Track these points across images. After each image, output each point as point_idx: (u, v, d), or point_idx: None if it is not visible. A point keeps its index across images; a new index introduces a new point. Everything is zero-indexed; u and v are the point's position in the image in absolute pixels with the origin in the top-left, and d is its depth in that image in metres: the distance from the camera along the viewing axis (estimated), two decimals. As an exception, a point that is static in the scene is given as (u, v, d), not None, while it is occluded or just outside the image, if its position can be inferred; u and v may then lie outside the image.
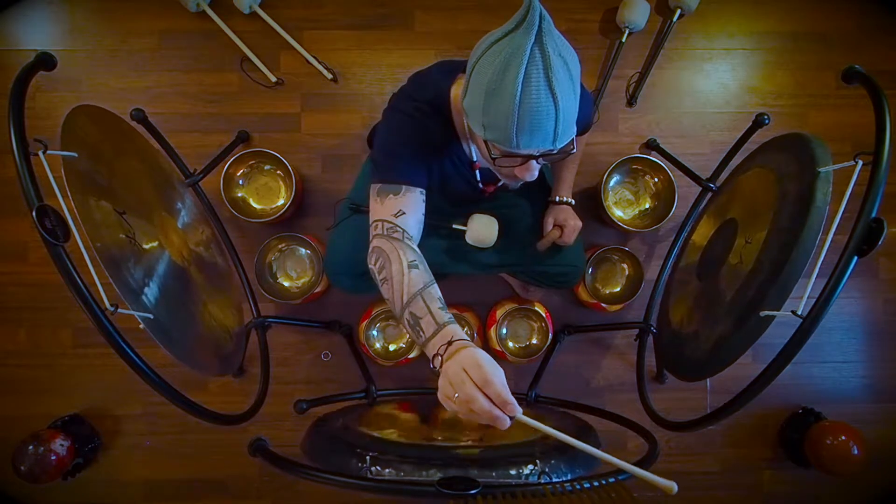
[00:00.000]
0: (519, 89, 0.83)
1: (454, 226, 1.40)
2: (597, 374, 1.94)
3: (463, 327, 1.85)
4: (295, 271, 1.89)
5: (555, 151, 0.93)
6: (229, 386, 1.90)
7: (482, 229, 1.37)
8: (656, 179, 1.87)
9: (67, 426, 1.80)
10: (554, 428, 0.80)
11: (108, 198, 1.07)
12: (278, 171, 1.86)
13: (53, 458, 1.67)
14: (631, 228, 1.81)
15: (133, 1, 1.90)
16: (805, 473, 1.88)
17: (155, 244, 1.18)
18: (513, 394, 0.78)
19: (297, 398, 1.54)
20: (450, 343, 0.86)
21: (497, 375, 0.78)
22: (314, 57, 1.88)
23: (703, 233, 1.49)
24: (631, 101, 1.92)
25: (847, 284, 0.89)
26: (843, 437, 1.71)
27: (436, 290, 0.95)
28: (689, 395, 1.92)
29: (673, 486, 0.74)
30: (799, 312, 0.95)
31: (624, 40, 1.86)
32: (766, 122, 1.51)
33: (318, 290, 1.80)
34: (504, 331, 1.84)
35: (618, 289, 1.89)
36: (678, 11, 1.85)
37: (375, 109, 1.89)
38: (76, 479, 1.82)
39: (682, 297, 1.46)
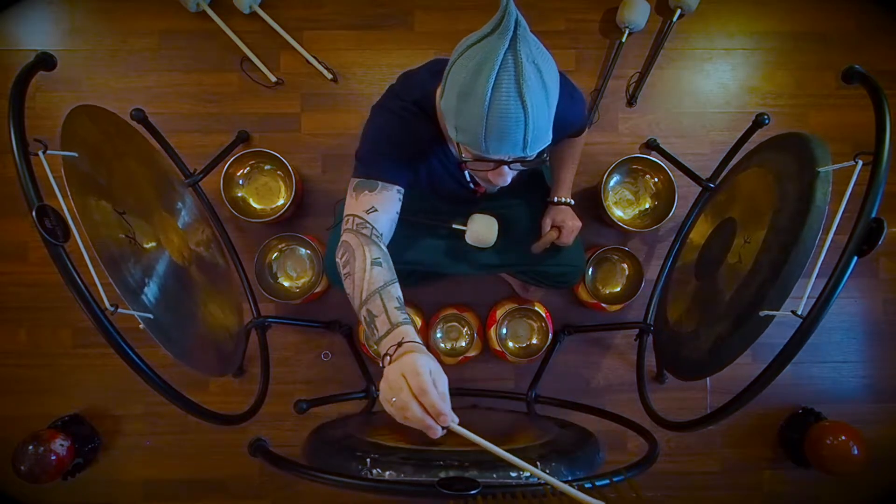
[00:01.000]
0: (489, 94, 0.83)
1: (454, 226, 1.40)
2: (597, 374, 1.94)
3: (463, 327, 1.85)
4: (295, 271, 1.89)
5: (527, 159, 0.93)
6: (229, 386, 1.90)
7: (482, 229, 1.37)
8: (656, 179, 1.87)
9: (67, 426, 1.80)
10: (492, 441, 0.78)
11: (107, 198, 1.07)
12: (278, 171, 1.86)
13: (53, 458, 1.67)
14: (631, 228, 1.81)
15: (133, 1, 1.90)
16: (805, 473, 1.87)
17: (155, 244, 1.18)
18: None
19: (297, 398, 1.54)
20: (399, 344, 0.85)
21: (440, 384, 0.78)
22: (314, 57, 1.88)
23: (701, 232, 1.49)
24: (631, 101, 1.92)
25: (847, 284, 0.89)
26: (843, 437, 1.71)
27: (395, 290, 0.95)
28: (689, 395, 1.92)
29: None
30: (799, 312, 0.95)
31: (624, 40, 1.86)
32: (766, 122, 1.51)
33: (318, 290, 1.80)
34: (504, 331, 1.84)
35: (618, 289, 1.89)
36: (678, 11, 1.85)
37: (375, 109, 1.89)
38: (76, 479, 1.82)
39: (679, 296, 1.46)
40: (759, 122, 1.52)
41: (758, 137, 1.50)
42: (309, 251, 1.86)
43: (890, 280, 1.94)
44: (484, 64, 0.83)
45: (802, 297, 0.97)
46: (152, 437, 1.90)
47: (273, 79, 1.88)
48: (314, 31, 1.91)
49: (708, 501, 1.95)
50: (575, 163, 1.40)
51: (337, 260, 1.04)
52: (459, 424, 0.78)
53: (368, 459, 0.99)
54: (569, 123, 1.20)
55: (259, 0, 1.86)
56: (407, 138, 1.09)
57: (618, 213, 1.88)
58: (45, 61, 0.99)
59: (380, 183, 1.07)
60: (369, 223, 1.04)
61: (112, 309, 0.93)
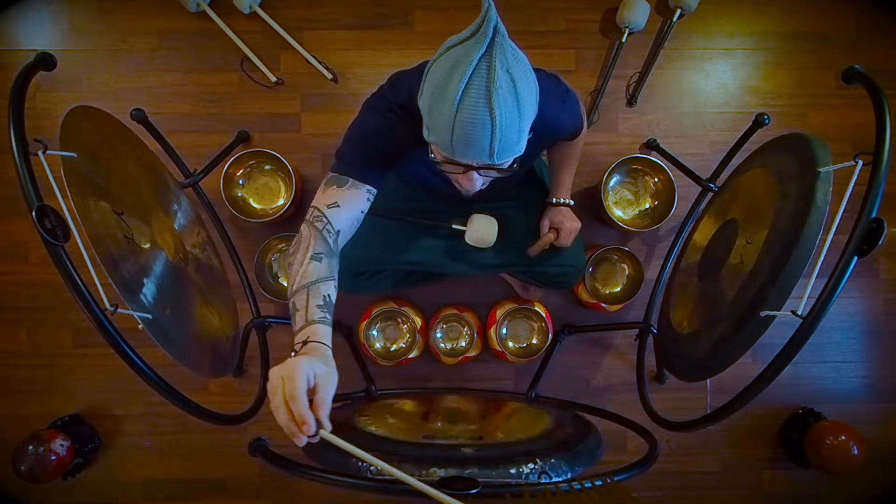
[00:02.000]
0: (458, 98, 0.83)
1: (454, 226, 1.40)
2: (597, 374, 1.94)
3: (463, 327, 1.85)
4: (295, 271, 1.88)
5: (496, 166, 0.93)
6: (229, 386, 1.90)
7: (482, 229, 1.37)
8: (656, 179, 1.87)
9: (67, 426, 1.80)
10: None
11: (106, 198, 1.07)
12: (278, 172, 1.86)
13: (53, 458, 1.67)
14: (631, 228, 1.81)
15: (133, 1, 1.90)
16: (805, 473, 1.88)
17: (152, 245, 1.18)
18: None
19: (297, 398, 1.54)
20: (304, 343, 0.87)
21: (323, 389, 0.78)
22: (314, 57, 1.88)
23: (704, 233, 1.49)
24: (631, 101, 1.92)
25: (847, 284, 0.89)
26: (843, 437, 1.71)
27: (326, 288, 0.95)
28: (689, 395, 1.92)
29: None
30: (799, 312, 0.95)
31: (624, 40, 1.86)
32: (766, 122, 1.51)
33: (318, 290, 1.79)
34: (504, 331, 1.83)
35: (618, 289, 1.89)
36: (678, 11, 1.85)
37: (375, 109, 1.89)
38: (76, 479, 1.82)
39: (683, 298, 1.46)
40: (759, 122, 1.52)
41: (758, 137, 1.50)
42: (309, 251, 1.85)
43: (890, 280, 1.94)
44: (457, 67, 0.83)
45: (803, 297, 0.97)
46: (152, 437, 1.90)
47: (273, 79, 1.88)
48: (314, 31, 1.91)
49: (708, 501, 1.95)
50: (574, 164, 1.40)
51: (290, 249, 1.04)
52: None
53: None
54: (560, 128, 1.20)
55: (259, 0, 1.86)
56: (388, 140, 1.09)
57: (618, 213, 1.88)
58: (45, 61, 0.99)
59: (350, 180, 1.08)
60: (326, 217, 1.04)
61: (112, 309, 0.94)
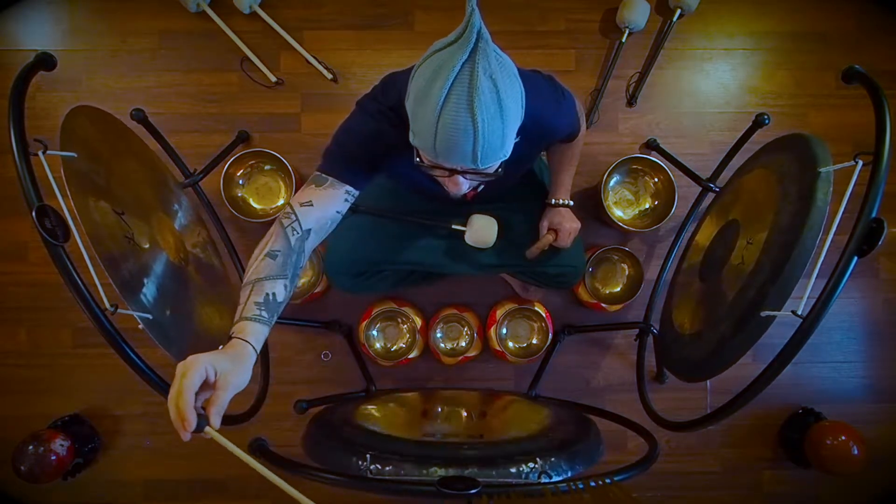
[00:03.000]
0: (440, 103, 0.83)
1: (454, 226, 1.40)
2: (597, 374, 1.94)
3: (463, 327, 1.85)
4: (295, 271, 1.88)
5: (481, 171, 0.93)
6: (229, 386, 1.90)
7: (482, 230, 1.37)
8: (656, 179, 1.87)
9: (67, 426, 1.80)
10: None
11: (106, 198, 1.07)
12: (278, 172, 1.86)
13: (53, 458, 1.67)
14: (631, 228, 1.81)
15: (133, 1, 1.90)
16: (805, 473, 1.88)
17: (153, 245, 1.18)
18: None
19: (297, 398, 1.54)
20: (230, 337, 0.88)
21: (225, 385, 0.81)
22: (314, 57, 1.88)
23: (706, 234, 1.49)
24: (631, 101, 1.92)
25: (847, 284, 0.89)
26: (843, 437, 1.71)
27: (272, 286, 0.95)
28: (689, 395, 1.92)
29: None
30: (799, 312, 0.95)
31: (624, 40, 1.86)
32: (766, 122, 1.51)
33: (318, 290, 1.80)
34: (504, 331, 1.84)
35: (618, 289, 1.89)
36: (678, 11, 1.85)
37: (375, 109, 1.89)
38: (76, 479, 1.82)
39: (685, 299, 1.46)
40: (759, 122, 1.52)
41: (758, 137, 1.50)
42: (309, 251, 1.86)
43: (890, 280, 1.94)
44: (440, 72, 0.82)
45: (803, 297, 0.97)
46: (152, 437, 1.90)
47: (273, 79, 1.88)
48: (314, 31, 1.91)
49: (708, 501, 1.95)
50: (573, 164, 1.40)
51: None
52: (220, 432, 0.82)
53: (368, 455, 0.99)
54: (556, 130, 1.20)
55: (259, 0, 1.86)
56: (375, 142, 1.09)
57: (618, 213, 1.88)
58: (45, 61, 0.99)
59: (330, 179, 1.08)
60: (295, 215, 1.03)
61: (112, 309, 0.94)
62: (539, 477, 0.97)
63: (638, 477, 0.97)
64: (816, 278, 0.96)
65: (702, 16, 1.91)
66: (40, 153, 0.94)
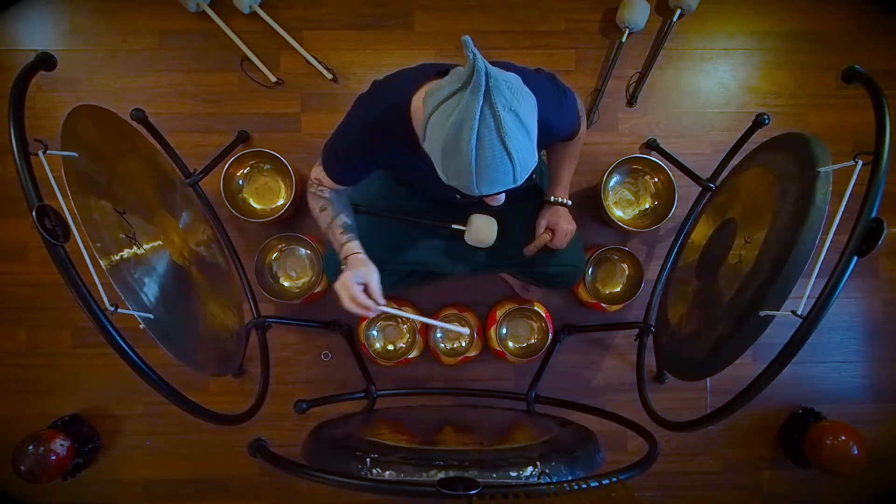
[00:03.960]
0: (473, 153, 0.85)
1: (454, 226, 1.40)
2: (597, 374, 1.94)
3: (463, 327, 1.85)
4: (295, 271, 1.89)
5: (518, 186, 0.96)
6: (229, 386, 1.90)
7: (482, 229, 1.37)
8: (656, 179, 1.87)
9: (67, 426, 1.80)
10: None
11: (108, 197, 1.07)
12: (278, 172, 1.86)
13: (53, 458, 1.67)
14: (631, 228, 1.81)
15: (133, 1, 1.90)
16: (805, 473, 1.87)
17: (155, 244, 1.18)
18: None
19: (297, 398, 1.54)
20: (345, 258, 1.21)
21: (372, 280, 1.16)
22: (314, 57, 1.88)
23: (702, 232, 1.49)
24: (631, 101, 1.92)
25: (847, 284, 0.89)
26: (843, 437, 1.71)
27: (339, 220, 1.25)
28: (689, 395, 1.92)
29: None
30: (799, 312, 0.95)
31: (624, 40, 1.86)
32: (766, 122, 1.51)
33: (318, 290, 1.79)
34: (504, 331, 1.84)
35: (618, 289, 1.89)
36: (678, 11, 1.85)
37: (375, 109, 1.89)
38: (76, 479, 1.82)
39: (681, 297, 1.46)
40: (759, 122, 1.52)
41: (758, 137, 1.50)
42: (309, 251, 1.86)
43: (890, 280, 1.94)
44: (463, 123, 0.84)
45: (802, 297, 0.97)
46: (152, 437, 1.90)
47: (273, 79, 1.88)
48: (314, 31, 1.91)
49: (708, 501, 1.95)
50: (573, 163, 1.40)
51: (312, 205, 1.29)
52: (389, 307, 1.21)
53: (368, 459, 0.99)
54: (558, 129, 1.20)
55: (259, 0, 1.86)
56: (372, 151, 1.15)
57: (618, 213, 1.88)
58: (45, 61, 0.99)
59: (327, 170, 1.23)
60: (324, 185, 1.26)
61: (112, 309, 0.93)
62: (539, 479, 0.97)
63: (638, 477, 0.97)
64: (816, 278, 0.96)
65: (702, 16, 1.91)
66: (40, 153, 0.93)
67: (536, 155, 0.94)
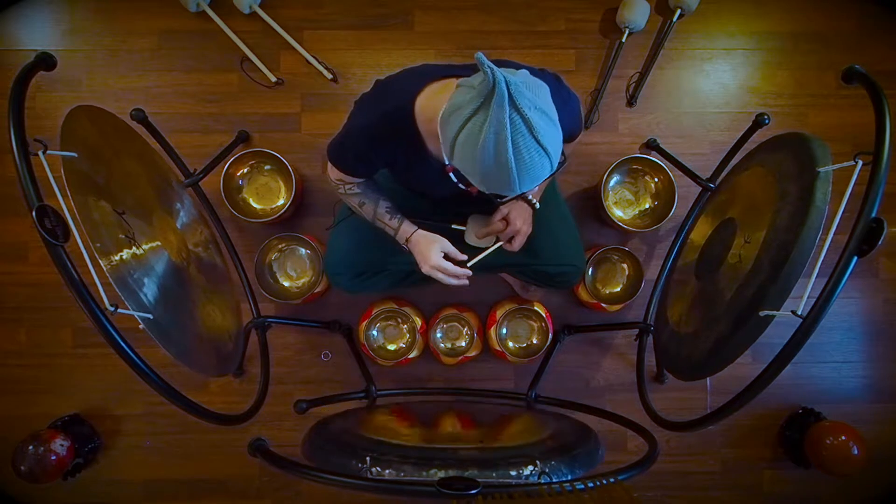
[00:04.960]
0: (513, 161, 0.87)
1: (454, 226, 1.40)
2: (597, 374, 1.94)
3: (463, 327, 1.85)
4: (295, 271, 1.89)
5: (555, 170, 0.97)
6: (229, 386, 1.90)
7: (479, 230, 1.37)
8: (656, 179, 1.87)
9: (67, 426, 1.80)
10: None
11: (107, 198, 1.07)
12: (278, 172, 1.86)
13: (53, 458, 1.67)
14: (631, 228, 1.81)
15: (133, 1, 1.90)
16: (805, 473, 1.87)
17: (154, 244, 1.18)
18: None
19: (297, 398, 1.54)
20: (406, 241, 1.30)
21: (448, 248, 1.27)
22: (314, 57, 1.88)
23: (701, 232, 1.49)
24: (631, 101, 1.92)
25: (847, 284, 0.89)
26: (843, 437, 1.71)
27: (382, 206, 1.30)
28: (689, 395, 1.92)
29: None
30: (799, 312, 0.95)
31: (624, 40, 1.86)
32: (766, 122, 1.51)
33: (318, 290, 1.79)
34: (504, 331, 1.84)
35: (618, 289, 1.89)
36: (678, 11, 1.85)
37: (375, 109, 1.89)
38: (76, 479, 1.82)
39: (680, 297, 1.46)
40: (759, 122, 1.52)
41: (758, 137, 1.50)
42: (309, 251, 1.86)
43: (890, 280, 1.94)
44: (498, 136, 0.85)
45: (802, 296, 0.97)
46: (152, 437, 1.90)
47: (273, 79, 1.88)
48: (314, 31, 1.91)
49: (708, 501, 1.95)
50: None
51: (352, 204, 1.34)
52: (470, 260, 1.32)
53: (368, 458, 0.99)
54: (565, 130, 1.20)
55: (259, 0, 1.86)
56: (378, 150, 1.15)
57: (618, 213, 1.88)
58: (45, 61, 0.99)
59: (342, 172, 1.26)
60: (352, 185, 1.29)
61: (112, 309, 0.93)
62: (539, 478, 0.97)
63: (638, 477, 0.97)
64: (816, 278, 0.96)
65: (702, 16, 1.91)
66: (40, 153, 0.93)
67: (562, 136, 0.94)
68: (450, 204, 1.38)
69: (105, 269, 0.95)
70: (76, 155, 0.99)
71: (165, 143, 1.56)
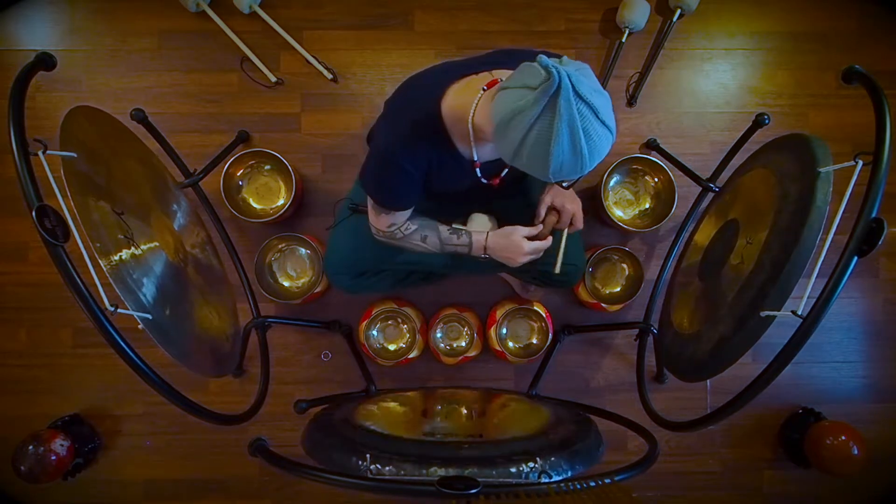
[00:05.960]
0: (586, 149, 0.89)
1: (454, 225, 1.39)
2: (597, 374, 1.94)
3: (463, 327, 1.85)
4: (295, 271, 1.89)
5: None
6: (229, 386, 1.90)
7: (481, 229, 1.37)
8: (656, 179, 1.87)
9: (67, 426, 1.80)
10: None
11: (106, 198, 1.07)
12: (278, 172, 1.86)
13: (53, 458, 1.67)
14: (631, 228, 1.81)
15: (133, 1, 1.90)
16: (805, 473, 1.87)
17: (152, 245, 1.18)
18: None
19: (297, 398, 1.54)
20: (484, 249, 1.31)
21: (525, 231, 1.29)
22: (314, 57, 1.88)
23: (705, 233, 1.49)
24: (631, 101, 1.92)
25: (847, 284, 0.89)
26: (843, 437, 1.71)
27: (443, 233, 1.31)
28: (689, 395, 1.92)
29: None
30: (799, 312, 0.95)
31: (624, 40, 1.86)
32: (766, 122, 1.51)
33: (318, 290, 1.80)
34: (504, 331, 1.84)
35: (618, 289, 1.89)
36: (678, 11, 1.85)
37: (375, 109, 1.89)
38: (76, 479, 1.82)
39: (684, 298, 1.46)
40: (759, 122, 1.52)
41: (758, 137, 1.50)
42: (309, 251, 1.86)
43: (890, 280, 1.94)
44: (573, 132, 0.87)
45: (803, 297, 0.97)
46: (152, 437, 1.90)
47: (273, 79, 1.88)
48: (314, 31, 1.91)
49: (708, 501, 1.95)
50: None
51: (417, 242, 1.33)
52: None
53: (368, 455, 0.99)
54: None
55: (259, 0, 1.86)
56: (413, 166, 1.14)
57: (618, 213, 1.88)
58: (45, 61, 0.99)
59: (392, 210, 1.24)
60: (398, 227, 1.30)
61: (112, 309, 0.93)
62: (539, 477, 0.97)
63: (638, 477, 0.97)
64: (816, 278, 0.96)
65: (702, 16, 1.91)
66: (40, 153, 0.93)
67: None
68: (452, 203, 1.38)
69: (105, 269, 0.95)
70: (76, 155, 0.99)
71: (165, 143, 1.55)
